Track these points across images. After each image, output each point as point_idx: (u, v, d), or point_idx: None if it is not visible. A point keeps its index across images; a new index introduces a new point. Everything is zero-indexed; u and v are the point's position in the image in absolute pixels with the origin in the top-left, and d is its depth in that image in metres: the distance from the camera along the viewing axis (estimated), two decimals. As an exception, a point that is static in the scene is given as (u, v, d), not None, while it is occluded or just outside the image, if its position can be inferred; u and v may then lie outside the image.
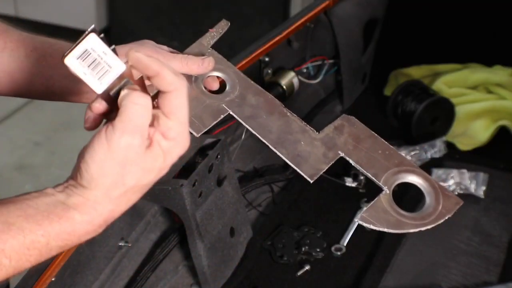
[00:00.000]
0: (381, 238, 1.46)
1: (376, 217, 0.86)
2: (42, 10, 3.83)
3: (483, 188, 1.60)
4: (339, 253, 1.44)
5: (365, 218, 0.86)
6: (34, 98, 0.95)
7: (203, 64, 0.93)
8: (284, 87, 1.70)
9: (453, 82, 1.96)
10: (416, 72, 2.07)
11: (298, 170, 0.91)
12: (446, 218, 0.88)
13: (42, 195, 0.71)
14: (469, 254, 1.43)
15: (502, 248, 1.45)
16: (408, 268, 1.39)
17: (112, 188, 0.71)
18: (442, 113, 1.81)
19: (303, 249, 1.43)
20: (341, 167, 1.68)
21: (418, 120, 1.77)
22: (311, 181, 0.90)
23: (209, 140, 1.37)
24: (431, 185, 0.90)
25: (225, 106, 0.95)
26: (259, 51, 1.56)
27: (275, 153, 0.91)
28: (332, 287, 1.36)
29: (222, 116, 0.94)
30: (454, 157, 1.74)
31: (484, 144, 1.81)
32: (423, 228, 0.86)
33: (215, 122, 0.93)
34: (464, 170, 1.62)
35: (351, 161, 0.91)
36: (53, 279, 1.06)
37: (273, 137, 0.93)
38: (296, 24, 1.68)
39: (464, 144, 1.81)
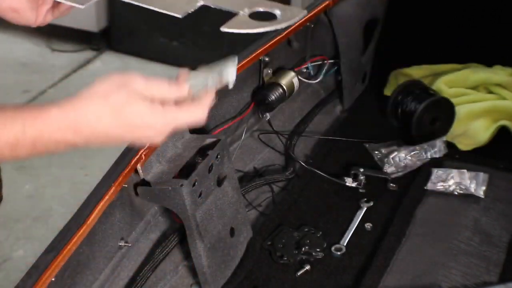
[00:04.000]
0: (381, 238, 1.46)
1: (238, 25, 0.98)
2: (42, 10, 3.83)
3: (483, 188, 1.60)
4: (339, 253, 1.44)
5: (229, 25, 0.98)
6: None
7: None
8: (284, 87, 1.70)
9: (453, 82, 1.95)
10: (416, 72, 2.07)
11: (168, 12, 1.01)
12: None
13: None
14: (469, 254, 1.43)
15: (502, 248, 1.45)
16: (408, 268, 1.39)
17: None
18: (442, 113, 1.81)
19: (303, 249, 1.43)
20: (341, 167, 1.68)
21: (418, 120, 1.77)
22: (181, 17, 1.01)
23: (209, 140, 1.37)
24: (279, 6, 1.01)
25: None
26: (259, 51, 1.56)
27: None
28: (332, 287, 1.36)
29: None
30: (454, 157, 1.74)
31: (484, 144, 1.81)
32: (278, 26, 0.97)
33: None
34: (464, 170, 1.62)
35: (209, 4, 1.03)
36: (53, 279, 1.05)
37: None
38: (296, 24, 1.68)
39: (464, 144, 1.81)
